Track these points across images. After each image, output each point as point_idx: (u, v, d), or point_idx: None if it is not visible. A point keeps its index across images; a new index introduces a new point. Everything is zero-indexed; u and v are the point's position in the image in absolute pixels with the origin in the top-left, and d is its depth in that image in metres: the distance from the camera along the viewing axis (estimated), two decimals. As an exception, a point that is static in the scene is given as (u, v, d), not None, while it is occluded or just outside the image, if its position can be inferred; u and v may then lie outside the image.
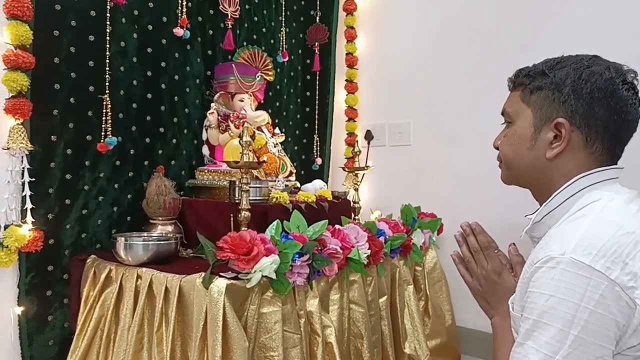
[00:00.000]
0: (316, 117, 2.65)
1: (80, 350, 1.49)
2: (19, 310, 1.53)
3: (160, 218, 1.79)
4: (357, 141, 2.16)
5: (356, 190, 2.11)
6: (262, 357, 1.34)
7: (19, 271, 1.53)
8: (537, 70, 1.03)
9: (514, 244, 1.17)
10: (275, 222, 1.49)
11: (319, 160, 2.61)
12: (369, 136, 2.46)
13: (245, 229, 1.57)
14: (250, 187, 1.62)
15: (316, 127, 2.65)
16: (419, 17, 2.51)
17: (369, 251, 1.68)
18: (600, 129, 0.95)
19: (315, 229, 1.55)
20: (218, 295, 1.25)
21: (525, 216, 1.16)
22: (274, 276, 1.33)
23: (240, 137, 1.86)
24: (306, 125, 2.65)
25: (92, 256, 1.64)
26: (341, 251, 1.56)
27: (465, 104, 2.34)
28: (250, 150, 1.62)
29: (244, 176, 1.59)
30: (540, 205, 1.06)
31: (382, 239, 1.79)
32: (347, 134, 2.70)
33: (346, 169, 2.12)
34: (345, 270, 1.62)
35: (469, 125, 2.32)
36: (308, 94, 2.65)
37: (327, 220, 1.59)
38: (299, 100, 2.62)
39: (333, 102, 2.73)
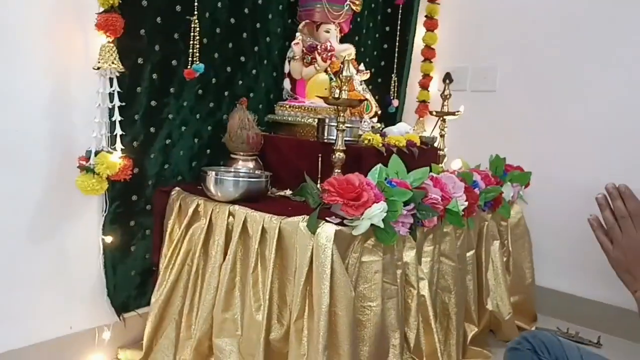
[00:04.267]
0: (395, 55, 2.45)
1: (167, 284, 1.46)
2: (104, 239, 1.49)
3: (241, 153, 1.70)
4: (447, 83, 1.99)
5: (442, 137, 1.98)
6: (359, 307, 1.27)
7: (104, 200, 1.47)
8: None
9: None
10: (377, 167, 1.38)
11: (395, 102, 2.45)
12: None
13: (339, 171, 1.47)
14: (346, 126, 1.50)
15: (395, 66, 2.46)
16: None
17: (466, 203, 1.57)
18: None
19: (416, 176, 1.44)
20: (326, 242, 1.17)
21: None
22: (381, 225, 1.23)
23: (337, 72, 1.77)
24: (383, 63, 2.48)
25: (177, 188, 1.58)
26: (442, 201, 1.46)
27: (561, 53, 2.13)
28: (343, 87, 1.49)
29: (342, 114, 1.47)
30: None
31: (476, 190, 1.67)
32: (422, 75, 2.52)
33: (434, 113, 1.97)
34: (443, 221, 1.52)
35: (564, 76, 2.12)
36: (387, 29, 2.46)
37: (428, 168, 1.48)
38: (377, 35, 2.43)
39: (413, 40, 2.52)
